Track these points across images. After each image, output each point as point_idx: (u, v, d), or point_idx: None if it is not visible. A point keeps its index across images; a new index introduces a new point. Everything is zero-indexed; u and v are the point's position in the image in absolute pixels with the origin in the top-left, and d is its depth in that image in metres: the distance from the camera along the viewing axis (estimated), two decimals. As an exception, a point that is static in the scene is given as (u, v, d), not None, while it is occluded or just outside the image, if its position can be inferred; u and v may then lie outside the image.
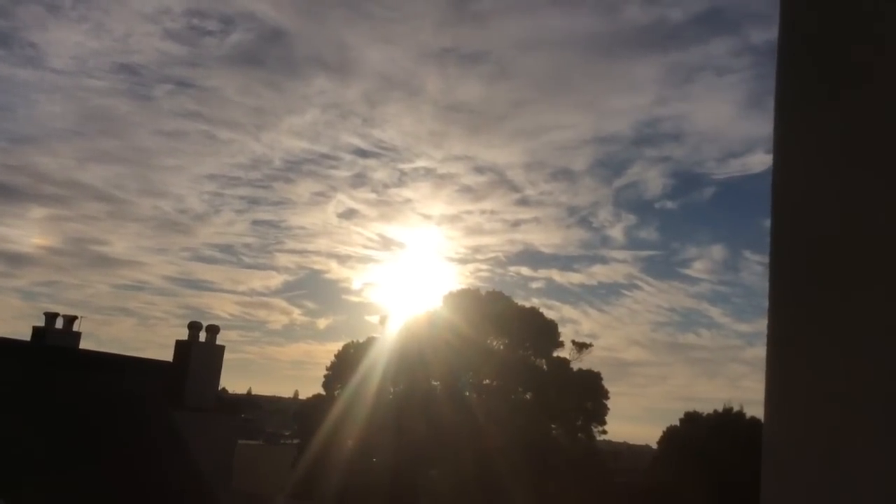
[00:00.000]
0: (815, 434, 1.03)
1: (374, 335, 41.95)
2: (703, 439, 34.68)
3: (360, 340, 42.73)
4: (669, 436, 38.58)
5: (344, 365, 40.46)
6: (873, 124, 1.08)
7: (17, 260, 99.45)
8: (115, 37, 79.43)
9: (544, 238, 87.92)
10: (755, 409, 36.73)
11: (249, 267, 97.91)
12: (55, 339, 20.38)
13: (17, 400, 12.63)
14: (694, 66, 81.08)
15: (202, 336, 19.64)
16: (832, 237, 1.08)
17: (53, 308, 24.14)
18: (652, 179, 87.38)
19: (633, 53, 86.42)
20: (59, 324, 20.93)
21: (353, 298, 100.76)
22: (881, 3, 1.10)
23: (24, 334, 21.23)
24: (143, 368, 19.53)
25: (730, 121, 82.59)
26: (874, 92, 1.09)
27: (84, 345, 21.19)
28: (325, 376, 42.91)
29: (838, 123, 1.12)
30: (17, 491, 9.73)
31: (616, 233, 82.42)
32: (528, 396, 40.28)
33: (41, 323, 20.93)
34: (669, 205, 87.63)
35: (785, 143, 1.19)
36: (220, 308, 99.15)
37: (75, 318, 21.29)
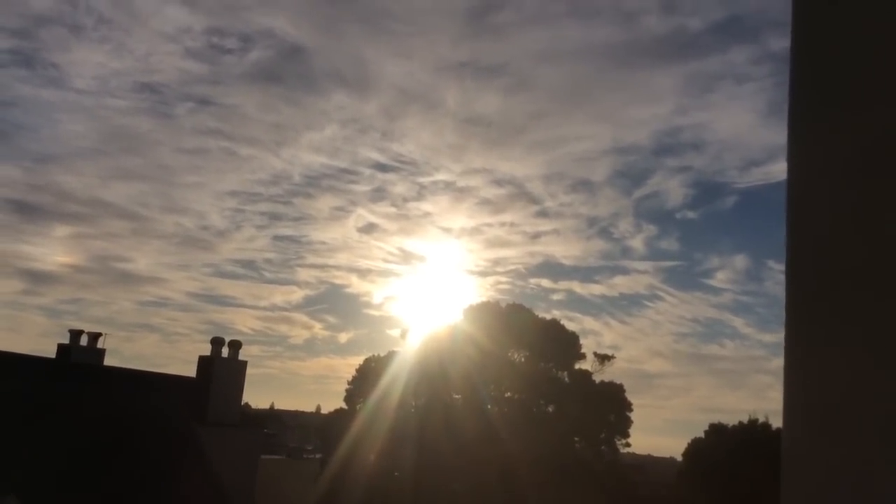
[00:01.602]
0: (834, 446, 1.03)
1: (396, 349, 42.04)
2: (729, 451, 34.27)
3: (382, 354, 42.80)
4: (694, 448, 38.18)
5: (365, 379, 40.50)
6: (887, 132, 1.08)
7: (41, 278, 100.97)
8: (136, 56, 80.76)
9: (564, 250, 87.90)
10: (781, 420, 36.20)
11: (271, 282, 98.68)
12: (80, 355, 20.56)
13: (43, 416, 12.76)
14: (713, 75, 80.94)
15: (225, 351, 19.72)
16: (848, 246, 1.08)
17: (78, 325, 24.41)
18: (673, 189, 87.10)
19: (651, 63, 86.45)
20: (84, 341, 21.13)
21: (374, 312, 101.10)
22: (892, 8, 1.10)
23: (49, 352, 21.48)
24: (167, 384, 19.67)
25: (751, 129, 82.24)
26: (887, 99, 1.09)
27: (108, 361, 21.38)
28: (347, 390, 42.97)
29: (852, 131, 1.12)
30: (35, 501, 9.83)
31: (637, 243, 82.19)
32: (550, 409, 40.05)
33: (66, 340, 21.14)
34: (691, 214, 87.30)
35: (799, 151, 1.19)
36: (241, 323, 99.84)
37: (99, 335, 21.49)
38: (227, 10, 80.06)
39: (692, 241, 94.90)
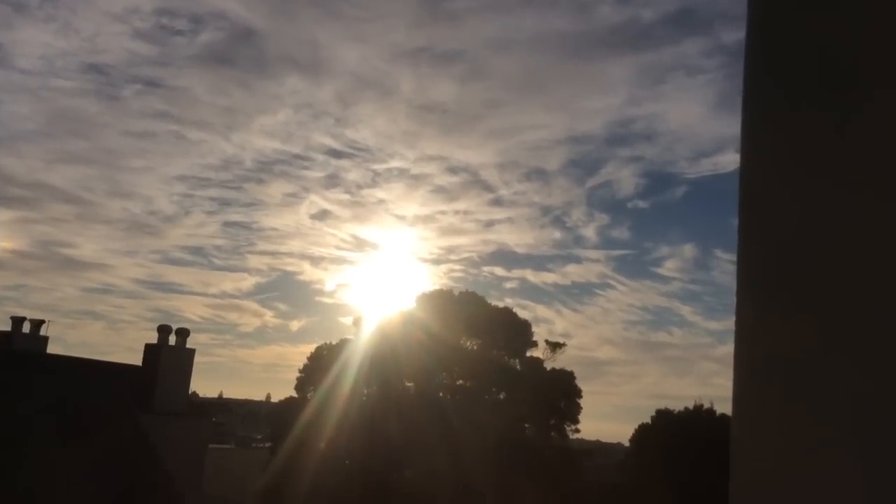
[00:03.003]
0: (782, 431, 1.04)
1: (348, 337, 41.79)
2: (675, 436, 35.03)
3: (334, 342, 42.52)
4: (641, 433, 38.91)
5: (317, 367, 40.20)
6: (839, 123, 1.09)
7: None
8: (83, 37, 78.44)
9: (518, 238, 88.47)
10: (726, 406, 37.06)
11: (220, 269, 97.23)
12: (22, 343, 20.02)
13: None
14: (666, 67, 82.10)
15: (172, 339, 19.44)
16: (799, 236, 1.09)
17: (20, 312, 23.69)
18: (624, 179, 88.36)
19: (605, 54, 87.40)
20: (26, 328, 20.57)
21: (327, 300, 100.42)
22: (847, 3, 1.12)
23: (-11, 339, 20.84)
24: (112, 373, 19.26)
25: (701, 120, 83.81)
26: (840, 91, 1.10)
27: (52, 349, 20.85)
28: (298, 379, 42.58)
29: (804, 123, 1.13)
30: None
31: (589, 232, 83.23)
32: (501, 396, 40.35)
33: (7, 327, 20.56)
34: (642, 204, 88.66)
35: (752, 142, 1.20)
36: (190, 311, 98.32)
37: (42, 322, 20.93)
38: (176, -10, 78.21)
39: (643, 231, 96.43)
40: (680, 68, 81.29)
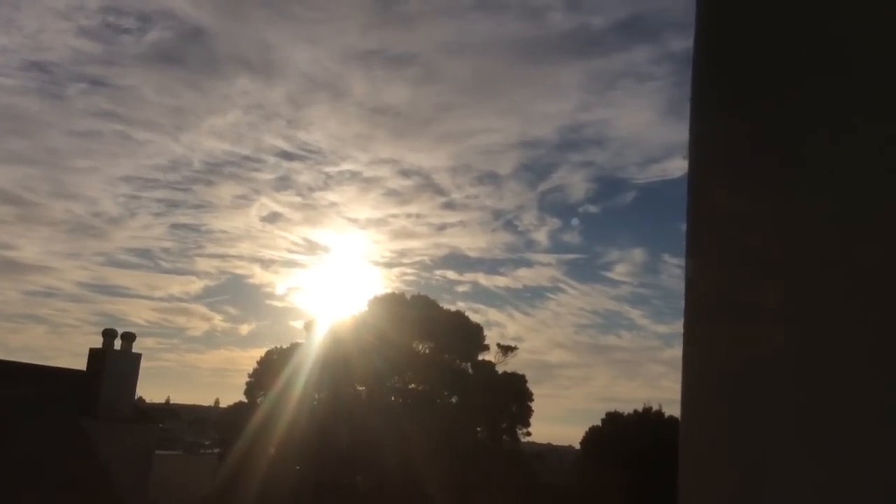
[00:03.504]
0: (730, 432, 1.06)
1: (299, 341, 41.39)
2: (625, 439, 35.51)
3: (284, 346, 42.08)
4: (592, 436, 39.36)
5: (267, 371, 39.71)
6: (786, 129, 1.11)
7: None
8: (25, 33, 76.18)
9: (470, 241, 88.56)
10: (674, 408, 37.81)
11: (168, 272, 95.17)
12: (-42, 348, 19.36)
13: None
14: (616, 73, 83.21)
15: (117, 344, 18.99)
16: (746, 242, 1.11)
17: (-44, 316, 22.88)
18: (576, 184, 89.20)
19: (557, 59, 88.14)
20: (-37, 332, 19.91)
21: (277, 303, 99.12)
22: (792, 10, 1.14)
23: (-76, 344, 20.12)
24: (54, 378, 18.73)
25: (650, 127, 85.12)
26: (787, 98, 1.12)
27: (-10, 354, 20.24)
28: (248, 383, 41.99)
29: (751, 129, 1.15)
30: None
31: (540, 236, 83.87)
32: (453, 400, 40.41)
33: (-57, 332, 19.87)
34: (592, 209, 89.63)
35: (699, 148, 1.22)
36: (136, 315, 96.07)
37: (-20, 326, 20.28)
38: (124, -13, 76.53)
39: (593, 235, 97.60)
40: (630, 75, 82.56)
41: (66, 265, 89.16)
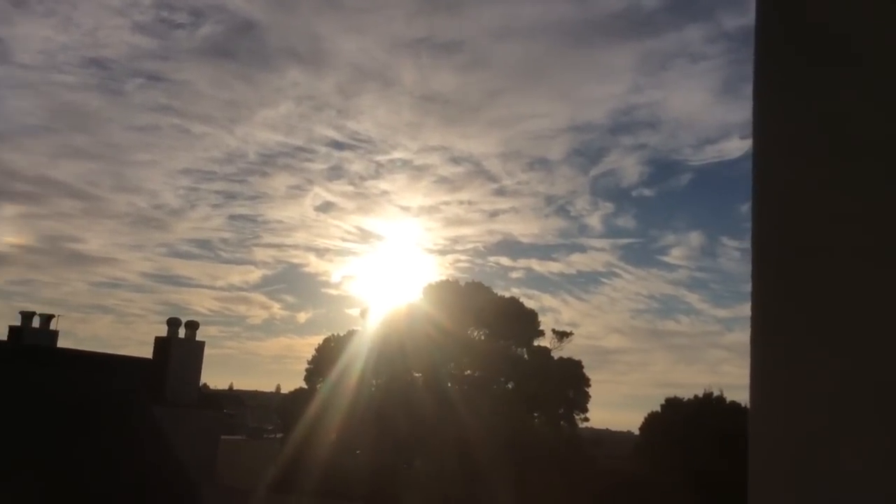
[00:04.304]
0: (802, 421, 1.04)
1: (355, 328, 41.93)
2: (684, 425, 35.02)
3: (341, 334, 42.69)
4: (651, 422, 38.90)
5: (325, 358, 40.36)
6: (853, 106, 1.08)
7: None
8: (83, 31, 78.40)
9: (523, 228, 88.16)
10: (735, 393, 37.13)
11: (227, 262, 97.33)
12: (33, 337, 20.17)
13: (-7, 400, 12.49)
14: (668, 53, 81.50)
15: (182, 332, 19.53)
16: (815, 221, 1.08)
17: (29, 307, 23.87)
18: (629, 167, 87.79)
19: (607, 41, 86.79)
20: (36, 322, 20.70)
21: (333, 292, 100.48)
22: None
23: (0, 334, 20.99)
24: (123, 365, 19.38)
25: (705, 107, 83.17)
26: (854, 73, 1.09)
27: (62, 343, 20.99)
28: (307, 370, 42.80)
29: (818, 106, 1.12)
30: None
31: (594, 221, 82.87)
32: (509, 386, 40.43)
33: (17, 322, 20.68)
34: (646, 192, 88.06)
35: (764, 127, 1.19)
36: (198, 304, 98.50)
37: (52, 316, 21.06)
38: (178, -18, 77.99)
39: (648, 219, 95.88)
40: (683, 55, 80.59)
41: (131, 256, 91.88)
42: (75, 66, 79.68)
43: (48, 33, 77.43)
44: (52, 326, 21.02)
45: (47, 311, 21.17)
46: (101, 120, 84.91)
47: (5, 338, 20.34)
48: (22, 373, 14.39)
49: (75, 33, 77.64)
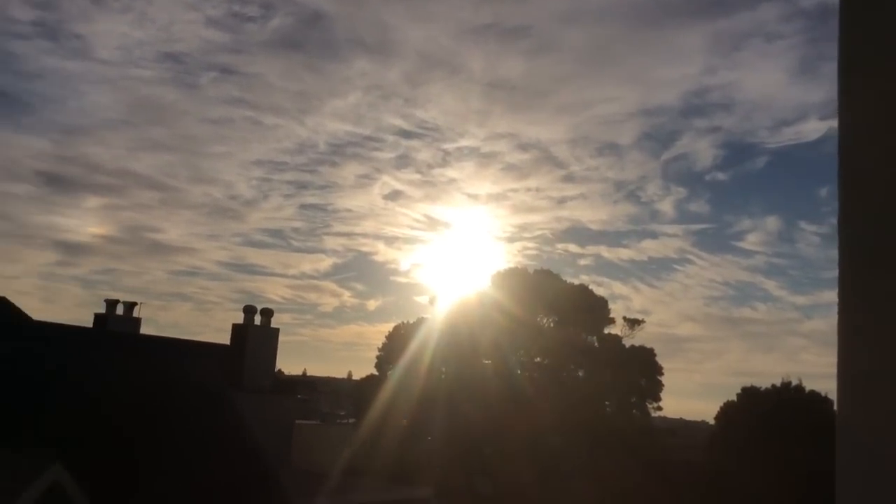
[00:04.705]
0: (893, 412, 1.02)
1: (424, 316, 42.26)
2: (762, 415, 34.16)
3: (410, 321, 43.11)
4: (727, 411, 38.11)
5: (395, 346, 40.86)
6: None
7: (75, 249, 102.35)
8: (158, 26, 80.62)
9: (591, 214, 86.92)
10: (814, 382, 35.95)
11: (299, 251, 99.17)
12: (117, 324, 21.00)
13: (84, 384, 13.07)
14: (742, 33, 78.75)
15: (257, 319, 20.01)
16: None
17: (113, 295, 24.88)
18: (702, 151, 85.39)
19: (678, 22, 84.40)
20: (120, 310, 21.55)
21: (402, 279, 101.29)
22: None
23: (86, 321, 21.95)
24: (203, 351, 20.03)
25: (781, 88, 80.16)
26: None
27: (144, 330, 21.82)
28: (378, 357, 43.44)
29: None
30: (86, 468, 10.12)
31: (666, 206, 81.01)
32: (579, 374, 40.14)
33: (102, 310, 21.57)
34: (720, 176, 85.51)
35: (850, 106, 1.17)
36: (272, 292, 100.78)
37: (135, 304, 21.90)
38: (248, -23, 79.57)
39: (722, 204, 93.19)
40: (757, 34, 77.78)
41: (208, 245, 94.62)
42: (151, 60, 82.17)
43: (125, 29, 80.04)
44: (135, 314, 21.87)
45: (129, 298, 22.04)
46: (177, 113, 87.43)
47: (91, 325, 21.27)
48: (109, 359, 15.04)
49: (151, 28, 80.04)
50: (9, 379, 12.08)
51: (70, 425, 11.83)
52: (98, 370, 13.71)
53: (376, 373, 43.10)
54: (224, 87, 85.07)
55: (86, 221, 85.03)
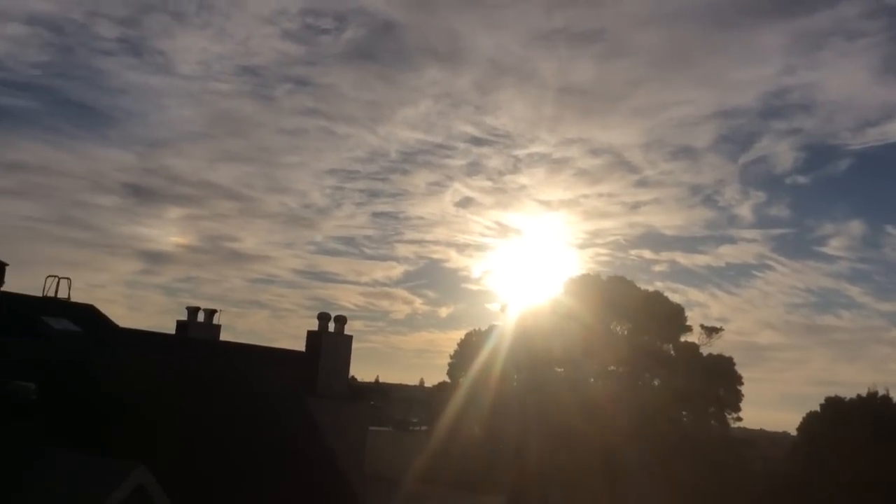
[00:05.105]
0: None
1: (496, 323, 42.15)
2: (847, 425, 32.89)
3: (482, 328, 43.06)
4: (809, 422, 36.89)
5: (467, 353, 40.89)
6: None
7: (158, 258, 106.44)
8: (236, 40, 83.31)
9: (666, 219, 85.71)
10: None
11: (371, 258, 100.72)
12: (198, 331, 21.66)
13: (167, 389, 13.52)
14: (823, 32, 76.51)
15: (331, 326, 20.29)
16: None
17: (193, 302, 25.72)
18: (782, 153, 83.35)
19: (755, 22, 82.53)
20: (201, 317, 22.22)
21: (473, 286, 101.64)
22: None
23: (169, 328, 22.71)
24: (279, 358, 20.47)
25: (864, 87, 77.56)
26: None
27: (223, 337, 22.42)
28: (450, 364, 43.56)
29: None
30: (164, 469, 10.44)
31: (744, 211, 79.24)
32: (655, 383, 39.37)
33: (184, 317, 22.27)
34: (801, 179, 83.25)
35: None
36: (345, 299, 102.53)
37: (215, 311, 22.54)
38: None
39: (804, 208, 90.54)
40: (839, 33, 75.44)
41: (283, 254, 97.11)
42: (230, 74, 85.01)
43: (205, 44, 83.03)
44: (215, 321, 22.51)
45: (209, 306, 22.68)
46: (254, 125, 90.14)
47: (173, 331, 22.00)
48: (191, 364, 15.53)
49: (229, 43, 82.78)
50: (95, 385, 12.60)
51: (154, 428, 12.25)
52: (180, 376, 14.16)
53: (448, 380, 43.25)
54: (299, 99, 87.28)
55: (168, 231, 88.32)
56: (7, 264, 9.76)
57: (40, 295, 20.15)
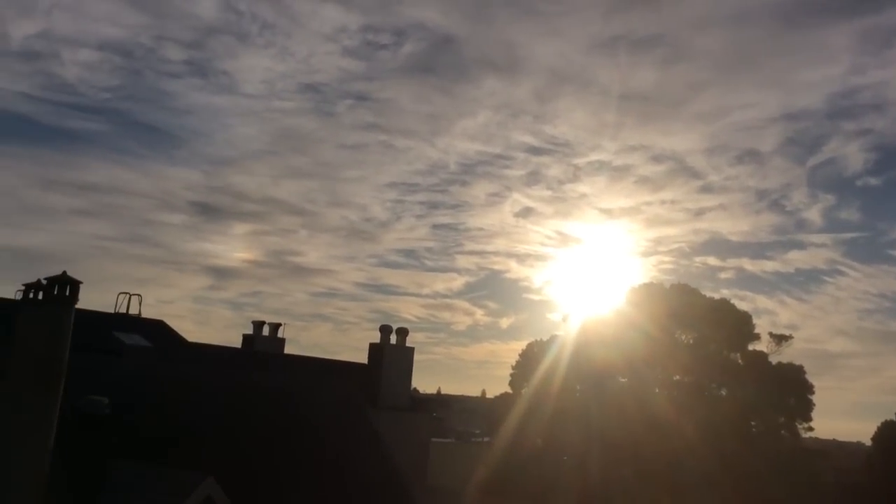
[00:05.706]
0: None
1: (557, 333, 41.82)
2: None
3: (544, 339, 42.76)
4: (885, 431, 35.55)
5: (529, 363, 40.66)
6: None
7: (224, 273, 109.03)
8: (298, 59, 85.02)
9: (732, 225, 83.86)
10: None
11: (432, 270, 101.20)
12: (263, 345, 22.15)
13: (234, 401, 13.85)
14: (892, 29, 73.87)
15: (393, 338, 20.46)
16: None
17: (259, 317, 26.31)
18: (851, 155, 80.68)
19: (821, 21, 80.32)
20: (266, 331, 22.72)
21: (534, 297, 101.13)
22: None
23: (235, 342, 23.29)
24: (342, 371, 20.76)
25: (940, 84, 74.24)
26: None
27: (288, 350, 22.88)
28: (511, 375, 43.37)
29: None
30: (231, 480, 10.68)
31: (813, 215, 76.89)
32: (722, 392, 38.45)
33: (250, 331, 22.81)
34: (873, 181, 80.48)
35: None
36: (406, 311, 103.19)
37: (279, 325, 23.05)
38: (379, 6, 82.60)
39: (875, 210, 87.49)
40: (910, 29, 72.54)
41: (345, 267, 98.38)
42: (292, 92, 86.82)
43: (268, 63, 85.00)
44: (280, 334, 22.99)
45: (274, 320, 23.21)
46: (316, 141, 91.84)
47: (240, 345, 22.54)
48: (257, 377, 15.88)
49: (291, 62, 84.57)
50: (164, 398, 12.99)
51: (221, 441, 12.56)
52: (246, 389, 14.49)
53: (510, 391, 43.07)
54: (359, 114, 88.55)
55: (233, 247, 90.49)
56: (81, 282, 10.17)
57: (112, 311, 20.92)
